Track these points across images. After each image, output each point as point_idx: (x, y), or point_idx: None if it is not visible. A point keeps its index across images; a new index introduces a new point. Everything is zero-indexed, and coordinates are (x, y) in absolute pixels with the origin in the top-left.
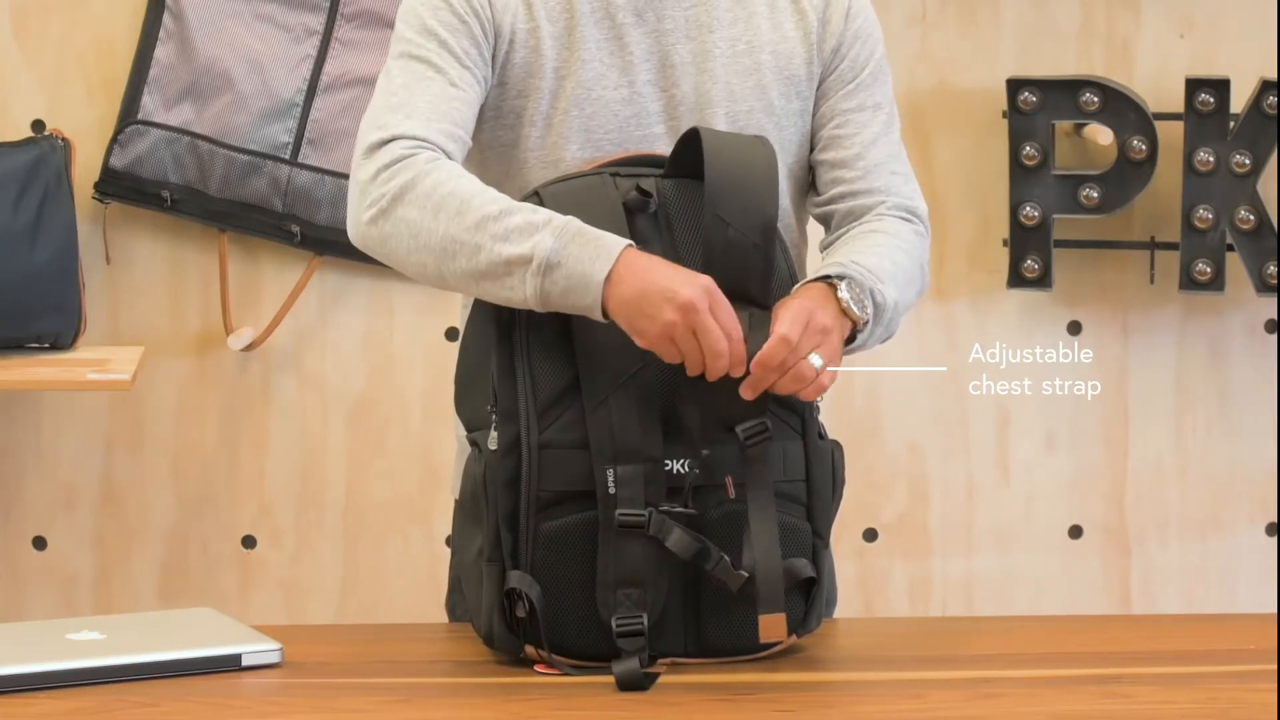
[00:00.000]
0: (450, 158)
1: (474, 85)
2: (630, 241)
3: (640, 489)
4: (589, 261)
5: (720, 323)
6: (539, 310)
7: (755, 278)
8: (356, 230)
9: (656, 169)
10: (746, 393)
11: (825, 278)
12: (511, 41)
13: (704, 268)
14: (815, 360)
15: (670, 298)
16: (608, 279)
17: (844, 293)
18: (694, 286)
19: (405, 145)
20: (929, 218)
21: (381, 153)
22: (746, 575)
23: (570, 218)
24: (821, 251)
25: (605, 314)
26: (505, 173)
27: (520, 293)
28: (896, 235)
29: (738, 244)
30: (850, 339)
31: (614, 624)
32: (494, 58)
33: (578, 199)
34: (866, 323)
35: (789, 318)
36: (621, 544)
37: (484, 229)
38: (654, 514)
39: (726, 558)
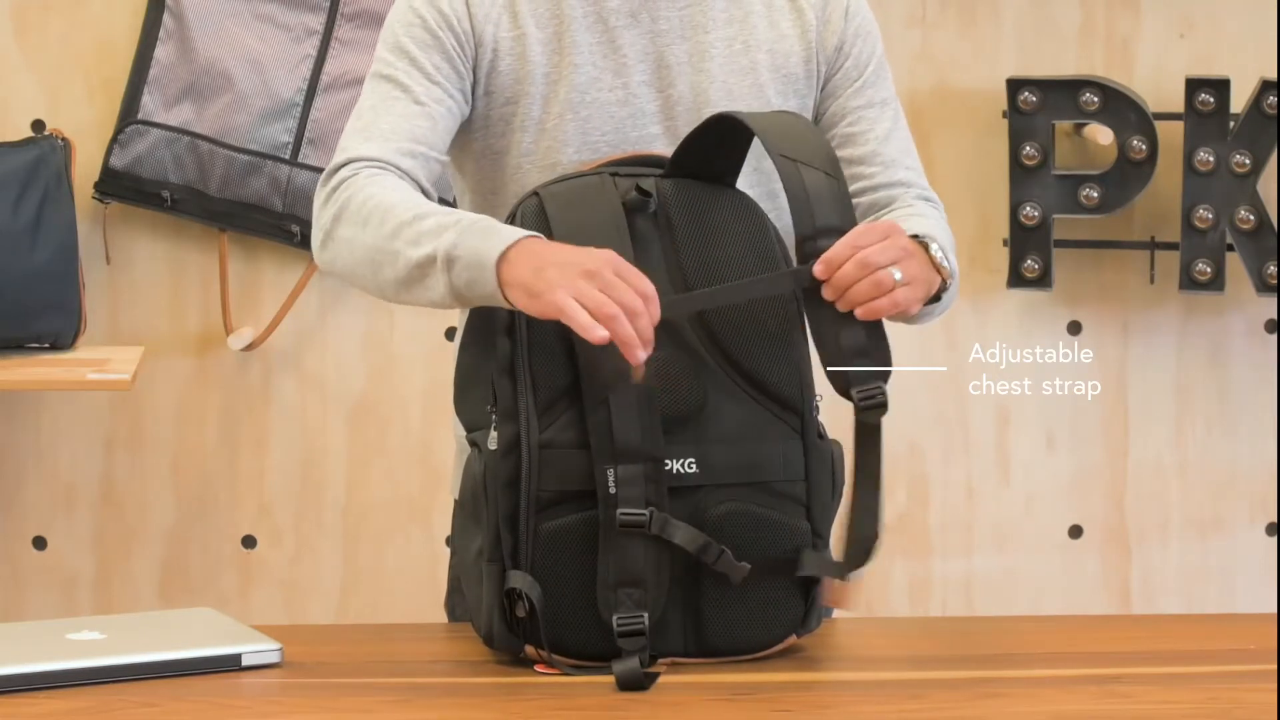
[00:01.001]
0: (406, 175)
1: (444, 100)
2: (539, 234)
3: (641, 489)
4: (485, 251)
5: (628, 279)
6: (458, 308)
7: (840, 207)
8: (315, 256)
9: (656, 169)
10: (828, 292)
11: (913, 236)
12: (495, 50)
13: (791, 207)
14: (895, 273)
15: (571, 265)
16: (501, 258)
17: (936, 251)
18: (595, 257)
19: (353, 168)
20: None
21: (331, 180)
22: (749, 568)
23: (485, 217)
24: None
25: (505, 298)
26: (501, 180)
27: (438, 291)
28: (936, 220)
29: (813, 178)
30: (935, 298)
31: (615, 623)
32: (476, 68)
33: (577, 199)
34: (953, 278)
35: (865, 228)
36: (622, 544)
37: (400, 235)
38: (655, 513)
39: (728, 551)
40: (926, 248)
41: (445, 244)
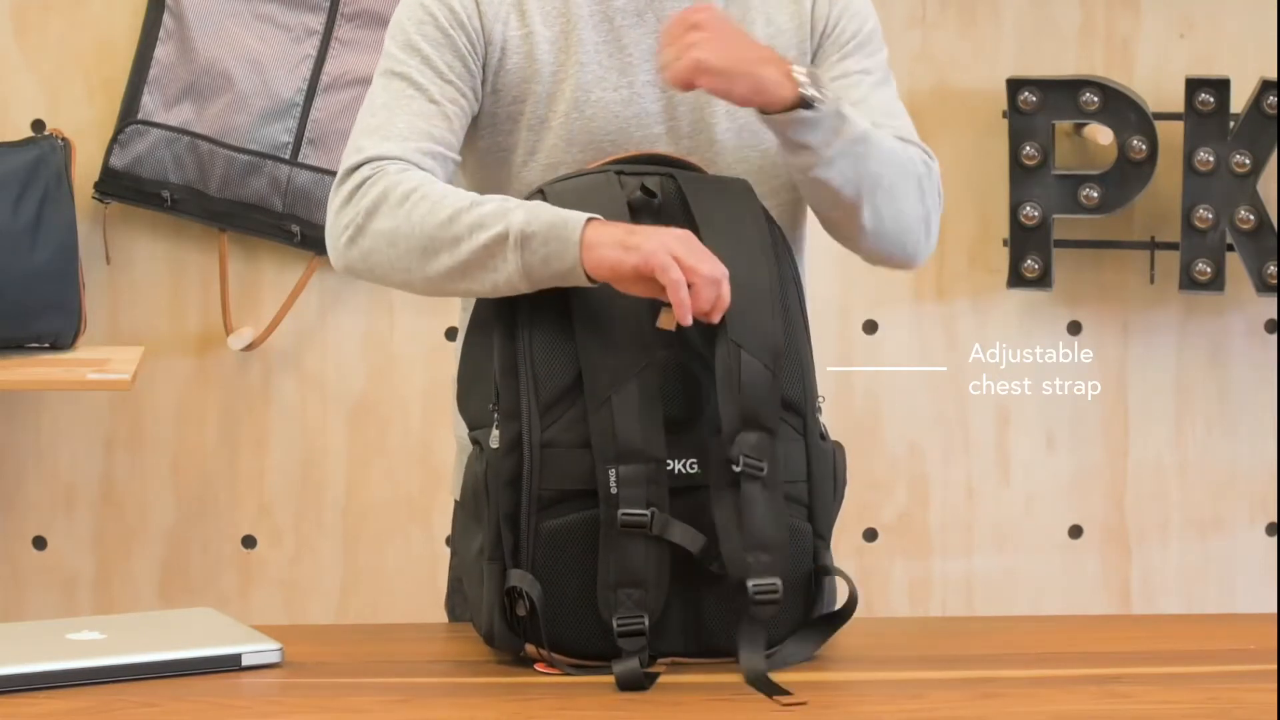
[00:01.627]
0: (428, 175)
1: (458, 99)
2: (597, 215)
3: (642, 489)
4: (565, 224)
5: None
6: (528, 290)
7: (767, 401)
8: (336, 256)
9: (661, 167)
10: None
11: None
12: (504, 49)
13: (722, 394)
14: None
15: (660, 232)
16: (586, 226)
17: (800, 71)
18: (678, 233)
19: (375, 166)
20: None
21: (352, 178)
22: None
23: (541, 203)
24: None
25: (588, 275)
26: (506, 177)
27: (505, 273)
28: (887, 140)
29: (751, 367)
30: (805, 105)
31: (615, 624)
32: (485, 67)
33: (582, 196)
34: (816, 101)
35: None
36: (623, 544)
37: (459, 220)
38: (656, 514)
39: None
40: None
41: (518, 221)
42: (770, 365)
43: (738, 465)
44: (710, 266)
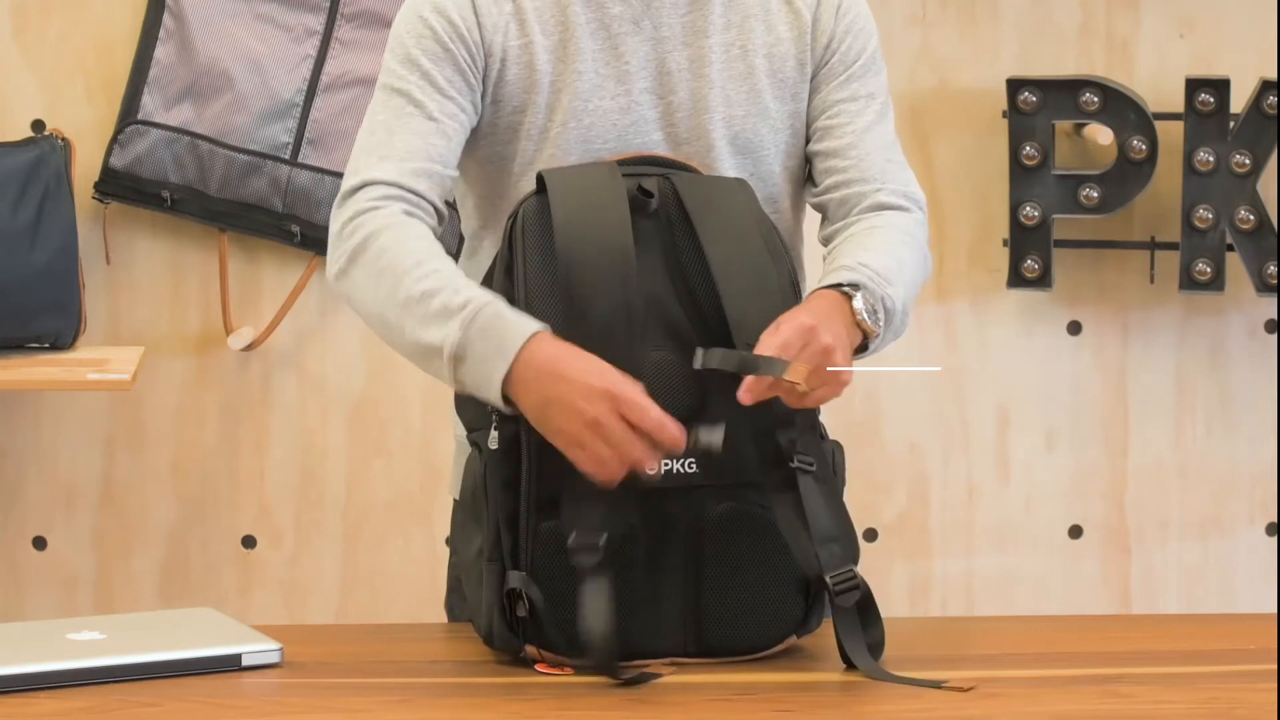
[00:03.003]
0: (422, 197)
1: (457, 114)
2: (537, 328)
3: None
4: (491, 358)
5: (634, 421)
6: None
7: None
8: (330, 280)
9: (659, 168)
10: (744, 396)
11: (838, 285)
12: (504, 60)
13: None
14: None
15: (574, 413)
16: (508, 380)
17: (859, 303)
18: (599, 401)
19: (371, 195)
20: (926, 205)
21: (350, 203)
22: (723, 425)
23: (488, 300)
24: (823, 244)
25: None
26: (505, 185)
27: (444, 378)
28: (899, 229)
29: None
30: (862, 347)
31: (571, 539)
32: (485, 78)
33: (583, 184)
34: (878, 335)
35: (790, 332)
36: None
37: (410, 310)
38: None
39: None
40: (849, 299)
41: (452, 341)
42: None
43: (793, 462)
44: (633, 448)
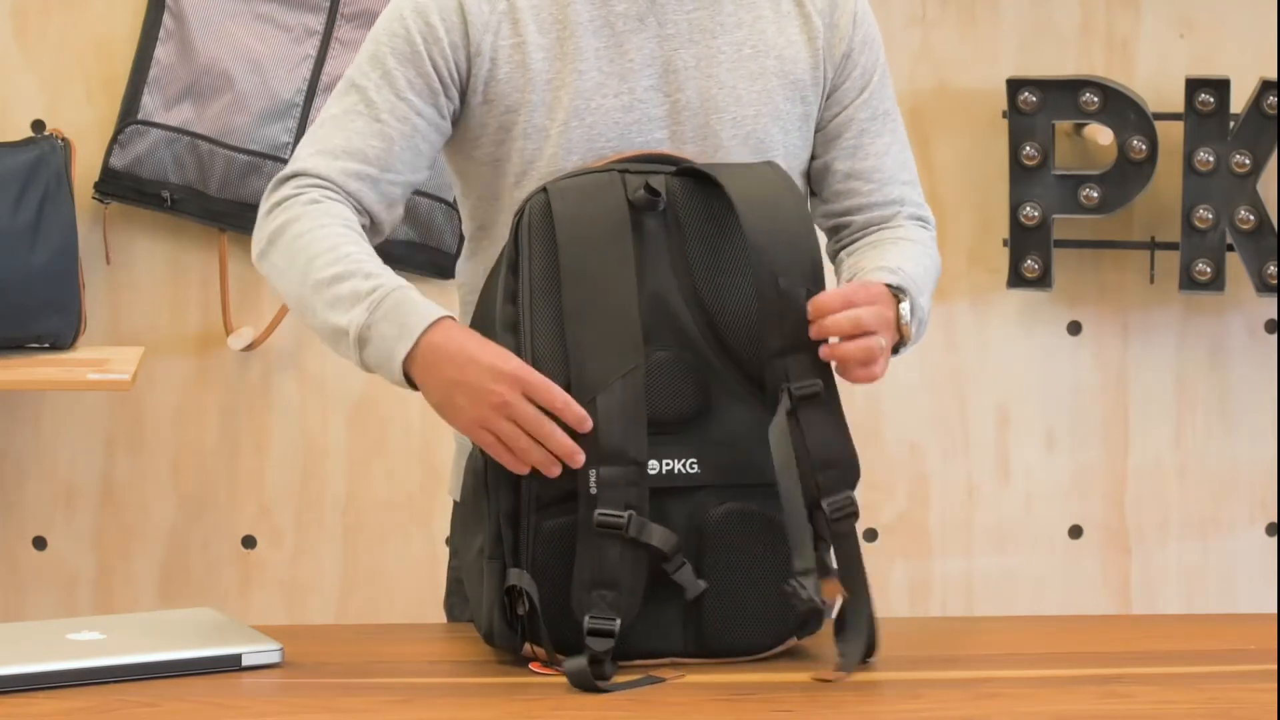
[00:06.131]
0: (351, 196)
1: (409, 118)
2: (440, 314)
3: (621, 491)
4: (392, 349)
5: (541, 402)
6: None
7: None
8: (254, 261)
9: (667, 166)
10: (814, 331)
11: (888, 285)
12: (494, 60)
13: (760, 322)
14: (881, 340)
15: (479, 394)
16: (408, 359)
17: (905, 308)
18: (503, 380)
19: (300, 184)
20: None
21: (280, 189)
22: (705, 585)
23: (397, 285)
24: (830, 259)
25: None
26: (503, 186)
27: (353, 360)
28: (922, 243)
29: (791, 294)
30: (893, 351)
31: (586, 622)
32: (473, 78)
33: (584, 196)
34: (914, 338)
35: (859, 286)
36: (600, 545)
37: (319, 293)
38: (633, 517)
39: (688, 564)
40: (898, 300)
41: (357, 323)
42: (813, 288)
43: (790, 391)
44: (540, 425)
